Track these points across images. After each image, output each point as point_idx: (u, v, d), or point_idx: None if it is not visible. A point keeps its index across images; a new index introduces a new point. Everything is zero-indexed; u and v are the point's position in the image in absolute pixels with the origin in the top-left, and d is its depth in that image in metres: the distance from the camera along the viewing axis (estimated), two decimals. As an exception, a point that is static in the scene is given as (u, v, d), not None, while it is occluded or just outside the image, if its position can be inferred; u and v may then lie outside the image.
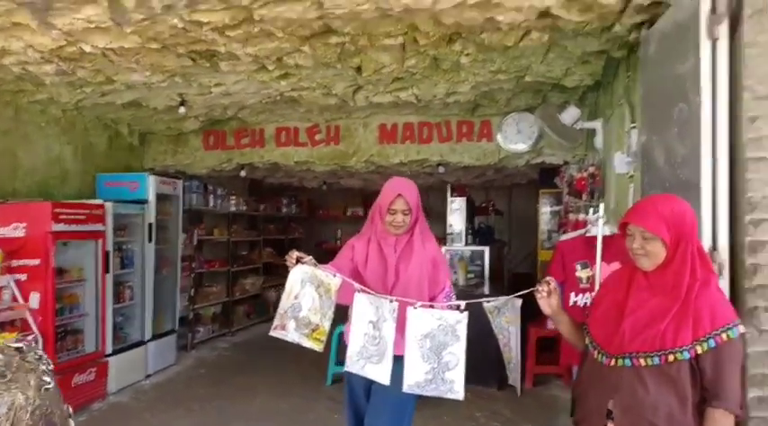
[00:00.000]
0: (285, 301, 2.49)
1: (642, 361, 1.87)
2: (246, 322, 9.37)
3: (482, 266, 6.39)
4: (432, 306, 2.54)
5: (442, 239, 6.66)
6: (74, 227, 5.21)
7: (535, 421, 4.89)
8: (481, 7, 3.30)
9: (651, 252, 1.93)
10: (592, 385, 2.02)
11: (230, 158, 7.26)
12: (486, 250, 6.49)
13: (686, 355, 1.83)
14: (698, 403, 1.86)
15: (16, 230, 4.99)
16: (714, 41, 2.58)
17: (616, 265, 3.08)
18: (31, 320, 4.73)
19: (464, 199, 7.12)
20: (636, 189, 3.78)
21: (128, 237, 6.20)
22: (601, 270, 3.32)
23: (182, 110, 5.71)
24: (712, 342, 1.81)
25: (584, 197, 5.40)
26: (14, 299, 4.85)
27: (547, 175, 7.72)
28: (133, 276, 6.25)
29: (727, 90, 2.58)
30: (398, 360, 2.48)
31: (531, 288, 2.27)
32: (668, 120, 2.95)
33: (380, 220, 2.85)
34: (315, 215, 12.80)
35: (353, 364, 2.55)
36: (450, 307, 2.49)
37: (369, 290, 2.58)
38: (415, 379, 2.42)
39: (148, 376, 6.28)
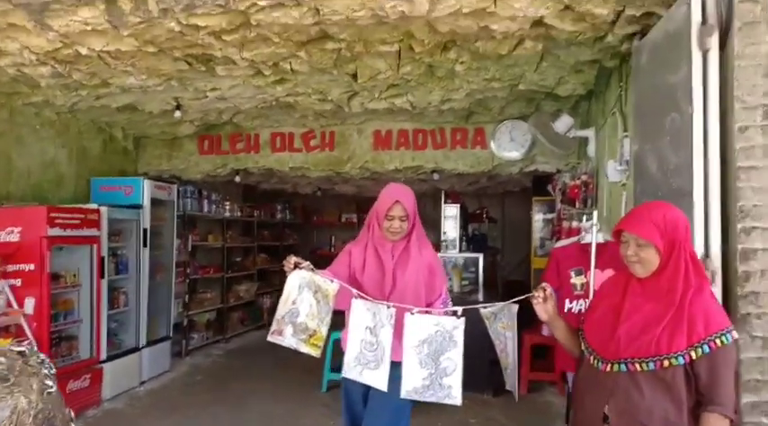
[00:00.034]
0: (283, 307, 2.50)
1: (638, 367, 1.90)
2: (241, 328, 9.36)
3: (476, 273, 6.42)
4: (429, 312, 2.55)
5: (437, 246, 6.68)
6: (69, 232, 5.19)
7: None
8: (476, 16, 3.34)
9: (645, 259, 1.95)
10: (588, 390, 2.04)
11: (225, 163, 7.26)
12: (480, 257, 6.52)
13: (681, 360, 1.85)
14: (693, 408, 1.89)
15: (11, 234, 4.96)
16: (705, 53, 2.63)
17: (610, 272, 3.10)
18: (25, 326, 4.70)
19: (458, 206, 7.15)
20: (629, 196, 3.82)
21: (122, 242, 6.19)
22: (595, 277, 3.34)
23: (177, 114, 5.71)
24: (707, 348, 1.84)
25: (578, 204, 5.44)
26: (9, 305, 4.81)
27: (540, 183, 7.77)
28: (128, 282, 6.23)
29: (718, 100, 2.63)
30: (396, 366, 2.49)
31: (528, 294, 2.29)
32: (661, 129, 2.99)
33: (378, 226, 2.87)
34: (309, 221, 12.80)
35: (351, 370, 2.55)
36: (447, 313, 2.50)
37: (366, 296, 2.59)
38: (413, 385, 2.43)
39: (143, 382, 6.25)
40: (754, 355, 2.51)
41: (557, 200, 6.86)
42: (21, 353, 1.41)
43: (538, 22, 3.45)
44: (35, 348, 1.50)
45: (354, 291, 2.58)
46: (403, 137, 6.66)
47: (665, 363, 1.86)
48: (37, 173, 5.86)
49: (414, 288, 2.80)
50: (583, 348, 2.12)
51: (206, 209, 8.51)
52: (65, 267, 5.39)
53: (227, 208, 9.09)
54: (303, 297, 2.49)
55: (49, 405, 1.36)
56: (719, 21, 2.64)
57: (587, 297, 3.36)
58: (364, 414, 2.88)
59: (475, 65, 4.37)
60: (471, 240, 7.68)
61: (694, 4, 2.64)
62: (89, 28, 3.59)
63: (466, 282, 6.46)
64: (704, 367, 1.84)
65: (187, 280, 7.80)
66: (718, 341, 1.84)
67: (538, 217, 7.89)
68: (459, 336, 2.41)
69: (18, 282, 4.92)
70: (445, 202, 6.98)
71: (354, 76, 4.67)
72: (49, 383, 1.39)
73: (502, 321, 2.44)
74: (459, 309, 2.45)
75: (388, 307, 2.50)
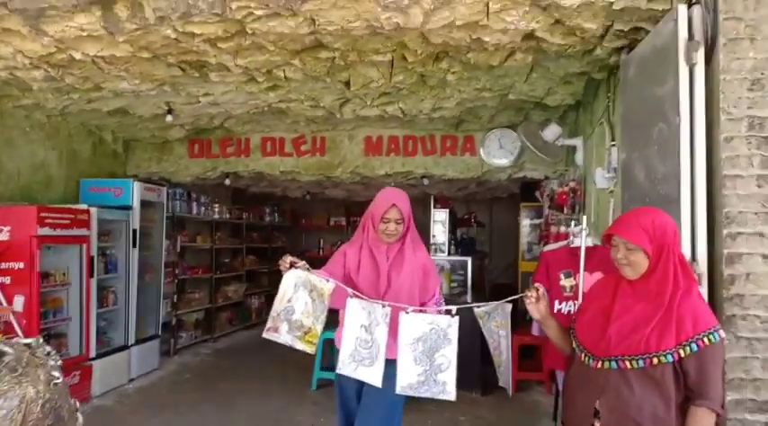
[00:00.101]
0: (278, 304, 2.55)
1: (628, 364, 1.97)
2: (229, 328, 9.39)
3: (465, 276, 6.50)
4: (424, 311, 2.62)
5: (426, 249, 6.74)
6: (59, 232, 5.21)
7: (517, 425, 4.97)
8: (469, 28, 3.41)
9: (634, 263, 2.03)
10: (579, 386, 2.12)
11: (215, 166, 7.28)
12: (469, 260, 6.60)
13: (670, 358, 1.93)
14: (681, 403, 1.96)
15: (0, 233, 4.98)
16: (691, 67, 2.73)
17: (599, 275, 3.19)
18: (15, 323, 4.71)
19: (447, 210, 7.22)
20: (616, 203, 3.92)
21: (112, 243, 6.21)
22: (584, 279, 3.43)
23: (169, 118, 5.73)
24: (695, 346, 1.91)
25: (566, 210, 5.54)
26: (-2, 302, 4.83)
27: (527, 189, 7.88)
28: (117, 281, 6.26)
29: (704, 112, 2.73)
30: (390, 364, 2.56)
31: (521, 294, 2.36)
32: (648, 139, 3.09)
33: (373, 228, 2.93)
34: (298, 224, 12.83)
35: (345, 367, 2.62)
36: (440, 312, 2.57)
37: (362, 295, 2.65)
38: (408, 381, 2.49)
39: (132, 380, 6.29)
40: (738, 355, 2.63)
41: (544, 206, 6.97)
42: (27, 345, 1.44)
43: (529, 36, 3.52)
44: (41, 341, 1.53)
45: (350, 290, 2.64)
46: (393, 143, 6.73)
47: (655, 361, 1.94)
48: (26, 175, 5.85)
49: (408, 289, 2.86)
50: (574, 346, 2.19)
51: (195, 211, 8.53)
52: (54, 266, 5.41)
53: (216, 210, 9.12)
54: (299, 296, 2.54)
55: (55, 396, 1.39)
56: (705, 37, 2.74)
57: (576, 299, 3.45)
58: (358, 410, 2.93)
59: (466, 75, 4.44)
60: (460, 244, 7.75)
61: (681, 21, 2.74)
62: (85, 34, 3.60)
63: (455, 284, 6.54)
64: (693, 364, 1.92)
65: (176, 281, 7.83)
66: (706, 339, 1.91)
67: (525, 223, 8.01)
68: (454, 334, 2.48)
69: (7, 280, 4.95)
70: (435, 207, 7.05)
71: (347, 84, 4.72)
72: (56, 374, 1.42)
73: (495, 320, 2.52)
74: (454, 308, 2.52)
75: (384, 306, 2.56)
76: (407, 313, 2.52)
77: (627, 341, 1.98)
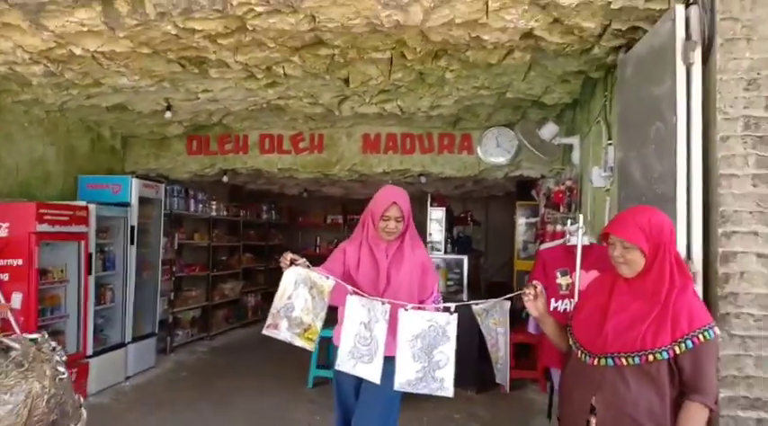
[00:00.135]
0: (278, 301, 2.57)
1: (624, 361, 2.00)
2: (225, 326, 9.40)
3: (461, 274, 6.52)
4: (423, 309, 2.64)
5: (422, 248, 6.75)
6: (57, 228, 5.22)
7: (512, 423, 5.04)
8: (468, 26, 3.43)
9: (631, 261, 2.06)
10: (576, 383, 2.15)
11: (213, 163, 7.29)
12: (465, 259, 6.62)
13: (665, 355, 1.96)
14: (675, 399, 2.00)
15: (-1, 230, 4.98)
16: (689, 66, 2.76)
17: (595, 273, 3.22)
18: (12, 320, 4.71)
19: (444, 209, 7.24)
20: (612, 202, 3.95)
21: (110, 239, 6.21)
22: (580, 277, 3.46)
23: (168, 114, 5.73)
24: (690, 343, 1.94)
25: (562, 209, 5.57)
26: (-4, 299, 4.83)
27: (524, 188, 7.91)
28: (115, 278, 6.26)
29: (701, 111, 2.76)
30: (389, 361, 2.58)
31: (519, 292, 2.39)
32: (645, 138, 3.12)
33: (373, 226, 2.95)
34: (295, 222, 12.83)
35: (345, 363, 2.64)
36: (438, 310, 2.60)
37: (361, 293, 2.67)
38: (406, 377, 2.52)
39: (128, 377, 6.29)
40: (732, 352, 2.66)
41: (540, 205, 7.00)
42: (34, 341, 1.46)
43: (527, 34, 3.55)
44: (46, 337, 1.54)
45: (349, 288, 2.66)
46: (391, 140, 6.75)
47: (651, 358, 1.97)
48: (25, 171, 5.85)
49: (407, 287, 2.89)
50: (571, 343, 2.21)
51: (192, 208, 8.53)
52: (52, 263, 5.41)
53: (214, 207, 9.12)
54: (299, 293, 2.56)
55: (60, 391, 1.40)
56: (702, 37, 2.78)
57: (572, 297, 3.48)
58: (356, 407, 2.96)
59: (464, 73, 4.47)
60: (456, 242, 7.78)
61: (679, 21, 2.77)
62: (85, 29, 3.60)
63: (451, 283, 6.56)
64: (688, 360, 1.95)
65: (173, 278, 7.83)
66: (701, 336, 1.94)
67: (521, 221, 8.04)
68: (452, 331, 2.50)
69: (6, 277, 4.96)
70: (431, 205, 7.08)
71: (346, 81, 4.74)
72: (61, 369, 1.43)
73: (494, 317, 2.54)
74: (453, 305, 2.54)
75: (383, 304, 2.59)
76: (407, 310, 2.54)
77: (623, 338, 2.01)
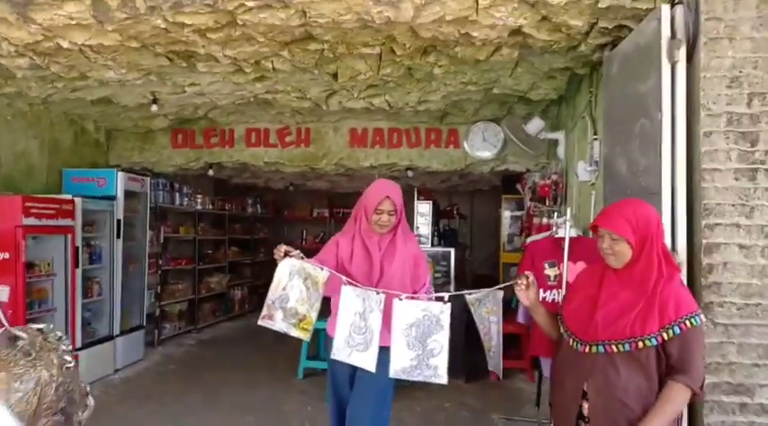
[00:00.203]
0: (273, 292, 2.61)
1: (614, 348, 2.07)
2: (212, 319, 9.41)
3: (448, 267, 6.58)
4: (417, 298, 2.70)
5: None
6: (44, 222, 5.19)
7: (501, 412, 5.10)
8: (458, 23, 3.48)
9: (618, 252, 2.13)
10: (568, 370, 2.21)
11: (199, 157, 7.26)
12: (452, 251, 6.68)
13: (654, 342, 2.03)
14: (664, 382, 2.07)
15: (-16, 224, 4.94)
16: (673, 64, 2.83)
17: (582, 264, 3.30)
18: (0, 313, 4.69)
19: (430, 202, 7.29)
20: (598, 195, 4.03)
21: (96, 233, 6.19)
22: (567, 269, 3.54)
23: (154, 108, 5.70)
24: (677, 329, 2.01)
25: (548, 202, 5.65)
26: (-17, 293, 4.81)
27: (509, 182, 8.00)
28: (101, 272, 6.25)
29: (685, 107, 2.84)
30: (383, 351, 2.63)
31: (512, 281, 2.45)
32: (630, 134, 3.19)
33: (366, 219, 2.99)
34: (280, 215, 12.80)
35: (340, 352, 2.68)
36: (431, 299, 2.66)
37: (356, 283, 2.71)
38: (401, 365, 2.58)
39: (117, 370, 6.29)
40: (716, 340, 2.76)
41: (526, 198, 7.08)
42: (40, 330, 1.48)
43: (516, 31, 3.60)
44: (51, 327, 1.57)
45: (344, 278, 2.70)
46: (378, 135, 6.79)
47: (640, 345, 2.04)
48: (8, 164, 5.79)
49: (400, 278, 2.93)
50: (562, 331, 2.28)
51: (178, 202, 8.50)
52: (39, 256, 5.39)
53: (199, 201, 9.10)
54: (293, 284, 2.60)
55: (68, 379, 1.42)
56: (687, 35, 2.85)
57: (560, 288, 3.57)
58: (350, 396, 3.01)
59: (453, 69, 4.51)
60: (443, 235, 7.84)
61: (664, 20, 2.83)
62: (73, 22, 3.57)
63: (438, 275, 6.62)
64: (676, 346, 2.02)
65: (159, 272, 7.82)
66: (688, 322, 2.02)
67: (507, 214, 8.12)
68: (446, 320, 2.56)
69: (-8, 270, 4.92)
70: (418, 199, 7.13)
71: (335, 76, 4.75)
72: (68, 358, 1.45)
73: (486, 306, 2.61)
74: (446, 295, 2.60)
75: (378, 293, 2.64)
76: (401, 299, 2.59)
77: (613, 326, 2.08)
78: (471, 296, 2.64)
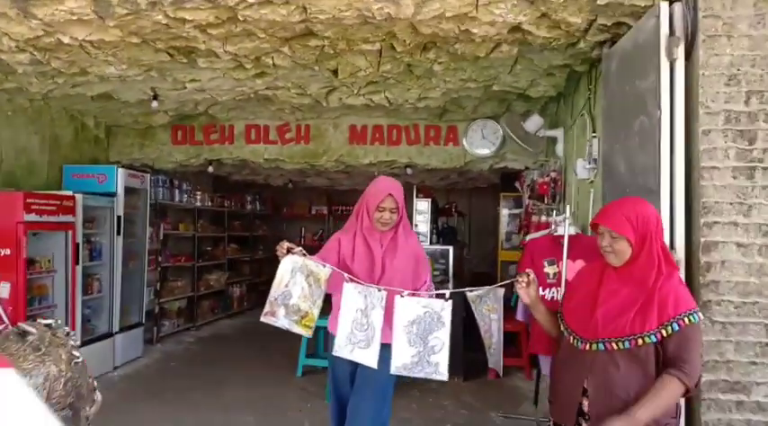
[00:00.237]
0: (275, 289, 2.62)
1: (614, 346, 2.09)
2: (211, 316, 9.43)
3: (447, 264, 6.60)
4: (418, 295, 2.72)
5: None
6: (45, 218, 5.20)
7: (500, 409, 5.12)
8: (458, 20, 3.49)
9: (618, 251, 2.15)
10: (568, 367, 2.23)
11: (198, 153, 7.27)
12: (451, 249, 6.70)
13: (654, 338, 2.05)
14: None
15: (-15, 220, 4.95)
16: (672, 62, 2.85)
17: (581, 262, 3.32)
18: (0, 310, 4.71)
19: (429, 200, 7.31)
20: (597, 193, 4.04)
21: (96, 230, 6.20)
22: (566, 266, 3.56)
23: (154, 104, 5.70)
24: (676, 326, 2.03)
25: (547, 200, 5.67)
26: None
27: (507, 180, 8.01)
28: (101, 268, 6.26)
29: (684, 105, 2.86)
30: (384, 348, 2.65)
31: (512, 279, 2.47)
32: (629, 131, 3.21)
33: (368, 217, 3.01)
34: (279, 213, 12.82)
35: (342, 349, 2.70)
36: (431, 296, 2.67)
37: (358, 280, 2.73)
38: (402, 362, 2.60)
39: (116, 367, 6.30)
40: (713, 338, 2.78)
41: (524, 196, 7.10)
42: (48, 326, 1.49)
43: (515, 28, 3.62)
44: (59, 322, 1.57)
45: (346, 275, 2.72)
46: (378, 132, 6.80)
47: (640, 342, 2.05)
48: (9, 160, 5.80)
49: (401, 275, 2.95)
50: (562, 328, 2.30)
51: (177, 199, 8.51)
52: (39, 253, 5.40)
53: (199, 197, 9.11)
54: (296, 281, 2.62)
55: (76, 374, 1.44)
56: (686, 33, 2.87)
57: (559, 286, 3.58)
58: (351, 393, 3.02)
59: (452, 65, 4.52)
60: (441, 233, 7.85)
61: (663, 18, 2.85)
62: (74, 17, 3.57)
63: (437, 273, 6.63)
64: (673, 342, 2.04)
65: (158, 268, 7.82)
66: (686, 319, 2.04)
67: (505, 212, 8.14)
68: (447, 317, 2.58)
69: (-7, 266, 4.93)
70: (417, 197, 7.14)
71: (335, 72, 4.76)
72: (76, 353, 1.47)
73: (487, 304, 2.63)
74: (447, 292, 2.62)
75: (380, 290, 2.65)
76: (403, 296, 2.61)
77: (613, 324, 2.10)
78: (472, 293, 2.66)
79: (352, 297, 2.68)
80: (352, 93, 5.49)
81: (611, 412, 2.07)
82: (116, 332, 6.35)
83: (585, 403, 2.16)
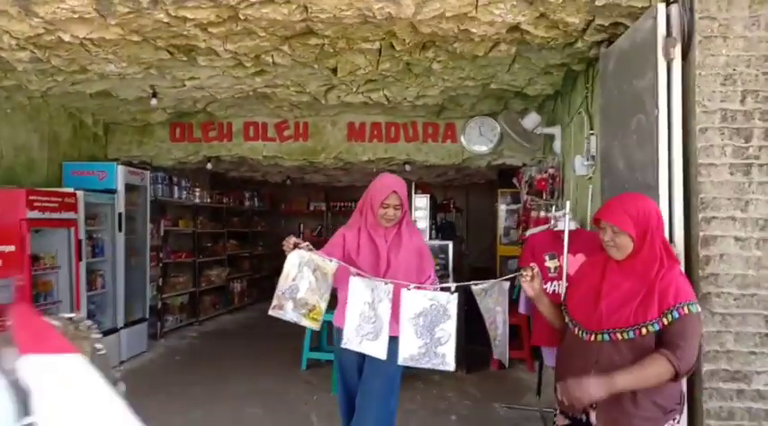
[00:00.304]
0: (283, 283, 2.67)
1: (619, 336, 2.15)
2: (213, 312, 9.49)
3: (446, 259, 6.64)
4: (425, 288, 2.77)
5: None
6: (47, 215, 5.23)
7: (503, 400, 5.17)
8: (458, 19, 3.52)
9: (620, 245, 2.20)
10: (573, 358, 2.28)
11: (197, 150, 7.28)
12: (450, 244, 6.75)
13: (656, 327, 2.10)
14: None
15: (-11, 217, 4.97)
16: (669, 62, 2.89)
17: (581, 256, 3.38)
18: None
19: (428, 196, 7.35)
20: (595, 189, 4.10)
21: (98, 226, 6.24)
22: (567, 261, 3.61)
23: (153, 101, 5.70)
24: (676, 314, 2.08)
25: (545, 196, 5.72)
26: (-11, 285, 4.82)
27: (505, 176, 8.07)
28: (104, 264, 6.30)
29: (681, 104, 2.91)
30: (392, 340, 2.70)
31: (516, 273, 2.52)
32: (627, 129, 3.25)
33: (372, 213, 3.05)
34: (278, 209, 12.85)
35: (351, 342, 2.75)
36: (435, 289, 2.72)
37: (365, 274, 2.78)
38: (409, 353, 2.65)
39: (122, 362, 6.34)
40: (713, 329, 2.85)
41: (522, 192, 7.15)
42: (70, 319, 1.53)
43: (514, 28, 3.66)
44: (81, 315, 1.61)
45: (353, 269, 2.77)
46: (376, 129, 6.84)
47: (643, 331, 2.11)
48: (9, 157, 5.81)
49: (406, 270, 2.99)
50: (567, 321, 2.35)
51: (176, 195, 8.54)
52: (42, 249, 5.42)
53: (198, 194, 9.14)
54: (303, 275, 2.67)
55: (100, 365, 1.48)
56: (682, 34, 2.91)
57: (560, 279, 3.64)
58: (359, 385, 3.07)
59: (451, 64, 4.56)
60: (440, 228, 7.91)
61: (660, 18, 2.89)
62: (76, 15, 3.58)
63: (437, 268, 6.65)
64: (672, 329, 2.09)
65: (160, 264, 7.86)
66: (686, 308, 2.09)
67: (503, 208, 8.19)
68: (453, 309, 2.63)
69: (-1, 263, 4.95)
70: (416, 193, 7.18)
71: (334, 71, 4.78)
72: (99, 346, 1.51)
73: (492, 296, 2.68)
74: (453, 286, 2.67)
75: (386, 283, 2.70)
76: (409, 290, 2.66)
77: (616, 315, 2.16)
78: (477, 286, 2.71)
79: (360, 290, 2.73)
80: (350, 91, 5.51)
81: (617, 401, 2.12)
82: (121, 328, 6.39)
83: None
